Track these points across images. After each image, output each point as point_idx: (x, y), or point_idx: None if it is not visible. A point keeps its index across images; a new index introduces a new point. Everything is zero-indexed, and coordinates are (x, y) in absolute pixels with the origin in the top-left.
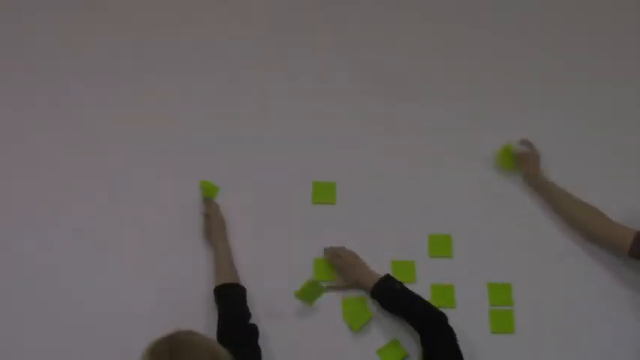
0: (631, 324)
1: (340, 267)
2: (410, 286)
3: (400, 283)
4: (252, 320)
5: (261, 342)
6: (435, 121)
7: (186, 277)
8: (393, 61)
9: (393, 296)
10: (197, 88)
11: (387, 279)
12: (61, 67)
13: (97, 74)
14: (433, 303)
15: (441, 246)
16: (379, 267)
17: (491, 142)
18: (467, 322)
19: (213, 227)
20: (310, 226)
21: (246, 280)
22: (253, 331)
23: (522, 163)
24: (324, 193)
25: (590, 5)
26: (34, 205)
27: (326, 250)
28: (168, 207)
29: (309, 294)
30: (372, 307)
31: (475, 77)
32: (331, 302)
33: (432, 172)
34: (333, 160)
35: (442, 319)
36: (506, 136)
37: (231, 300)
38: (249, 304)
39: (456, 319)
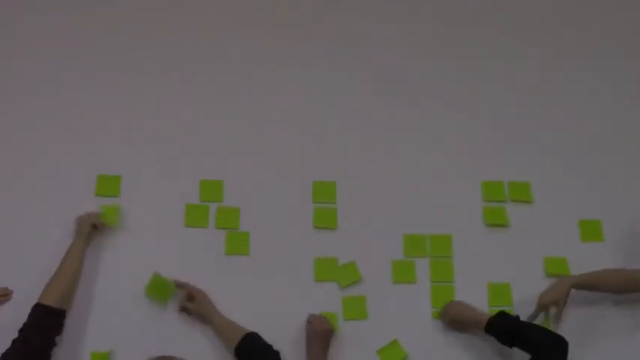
0: (629, 324)
1: (452, 319)
2: (410, 286)
3: (516, 317)
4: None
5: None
6: (435, 122)
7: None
8: (394, 62)
9: (511, 330)
10: (197, 88)
11: (501, 315)
12: (61, 66)
13: (97, 73)
14: (433, 303)
15: (442, 246)
16: (379, 267)
17: (492, 142)
18: None
19: (200, 309)
20: (310, 225)
21: (240, 274)
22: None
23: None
24: (324, 193)
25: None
26: (32, 205)
27: (440, 314)
28: (168, 207)
29: (157, 291)
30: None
31: (476, 78)
32: (331, 303)
33: (432, 172)
34: (333, 160)
35: (563, 348)
36: (508, 137)
37: (253, 348)
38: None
39: None
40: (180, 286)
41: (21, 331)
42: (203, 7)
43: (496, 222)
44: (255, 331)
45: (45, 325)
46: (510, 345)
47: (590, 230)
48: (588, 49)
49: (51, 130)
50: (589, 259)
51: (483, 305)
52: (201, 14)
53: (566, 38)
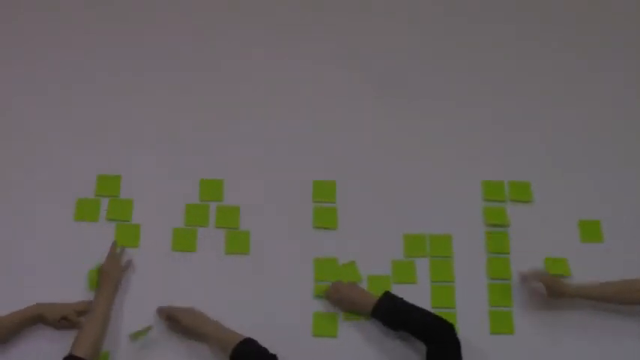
0: (630, 324)
1: (339, 299)
2: (410, 286)
3: (401, 299)
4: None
5: None
6: (435, 121)
7: (186, 279)
8: (394, 62)
9: (394, 312)
10: (197, 87)
11: (386, 297)
12: (61, 66)
13: (97, 73)
14: (433, 303)
15: (442, 246)
16: (379, 267)
17: (492, 141)
18: (466, 322)
19: (192, 326)
20: (310, 224)
21: (240, 273)
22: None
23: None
24: (324, 192)
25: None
26: (32, 205)
27: (326, 291)
28: (168, 206)
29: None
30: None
31: (477, 78)
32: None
33: (432, 172)
34: (333, 160)
35: (448, 329)
36: (508, 137)
37: (249, 352)
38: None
39: (455, 319)
40: (161, 313)
41: None
42: (203, 6)
43: (496, 222)
44: (250, 336)
45: None
46: (396, 328)
47: (590, 230)
48: (588, 49)
49: (51, 129)
50: (589, 260)
51: (484, 305)
52: (201, 14)
53: (566, 38)
